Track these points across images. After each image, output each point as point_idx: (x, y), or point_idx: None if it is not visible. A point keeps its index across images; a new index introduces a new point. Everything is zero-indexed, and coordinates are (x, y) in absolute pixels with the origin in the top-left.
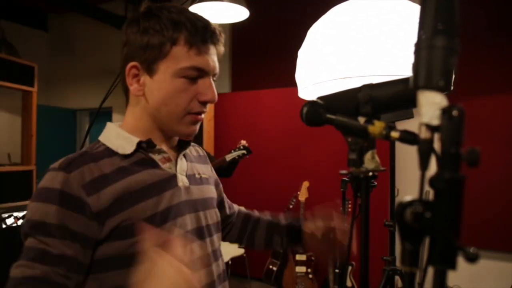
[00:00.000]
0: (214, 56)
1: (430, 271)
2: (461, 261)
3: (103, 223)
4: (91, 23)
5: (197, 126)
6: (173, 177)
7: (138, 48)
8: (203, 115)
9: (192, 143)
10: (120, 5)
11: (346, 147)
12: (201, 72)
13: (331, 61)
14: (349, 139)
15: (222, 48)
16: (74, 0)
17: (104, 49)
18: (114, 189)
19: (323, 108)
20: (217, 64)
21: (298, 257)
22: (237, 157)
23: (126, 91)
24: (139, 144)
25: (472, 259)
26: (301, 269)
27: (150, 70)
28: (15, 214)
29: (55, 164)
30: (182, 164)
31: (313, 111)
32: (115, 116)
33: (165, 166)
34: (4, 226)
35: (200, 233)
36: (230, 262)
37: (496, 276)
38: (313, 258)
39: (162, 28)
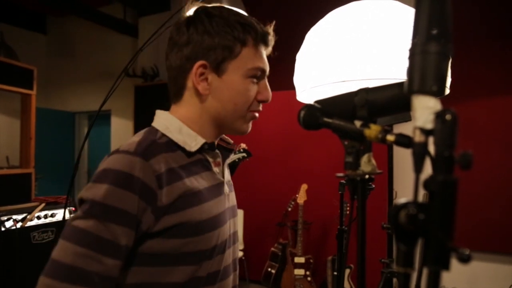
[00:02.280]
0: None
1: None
2: (460, 263)
3: (159, 218)
4: (90, 26)
5: (251, 124)
6: (222, 184)
7: (206, 48)
8: (258, 114)
9: (231, 141)
10: (119, 8)
11: (344, 150)
12: (263, 73)
13: (329, 64)
14: (346, 143)
15: (271, 50)
16: (73, 3)
17: (103, 52)
18: (180, 186)
19: (320, 111)
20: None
21: (297, 259)
22: (237, 160)
23: (180, 89)
24: (203, 144)
25: (464, 260)
26: (299, 271)
27: (218, 69)
28: (14, 216)
29: (128, 147)
30: (226, 172)
31: (310, 114)
32: (113, 119)
33: (216, 170)
34: (3, 229)
35: (234, 237)
36: None
37: (493, 278)
38: (311, 260)
39: (232, 30)
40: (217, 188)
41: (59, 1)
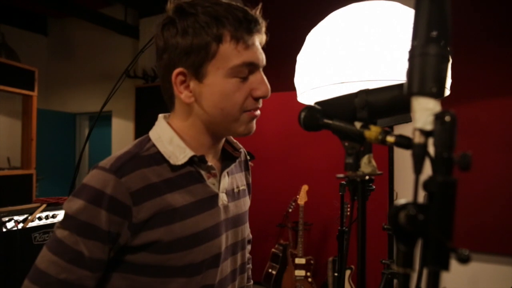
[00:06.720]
0: (259, 47)
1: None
2: (459, 263)
3: (136, 234)
4: (90, 28)
5: (254, 123)
6: (215, 196)
7: (181, 52)
8: (258, 111)
9: (239, 147)
10: (120, 10)
11: (344, 151)
12: (253, 67)
13: (329, 66)
14: (346, 144)
15: (264, 37)
16: (74, 4)
17: (104, 54)
18: (158, 202)
19: (320, 113)
20: (264, 55)
21: (298, 260)
22: None
23: (170, 98)
24: (191, 157)
25: (464, 260)
26: (300, 272)
27: (198, 74)
28: (16, 217)
29: (105, 164)
30: (225, 182)
31: (310, 116)
32: (114, 120)
33: (210, 181)
34: (4, 230)
35: (234, 248)
36: None
37: (494, 279)
38: (312, 261)
39: (203, 26)
40: (209, 201)
41: (60, 3)
